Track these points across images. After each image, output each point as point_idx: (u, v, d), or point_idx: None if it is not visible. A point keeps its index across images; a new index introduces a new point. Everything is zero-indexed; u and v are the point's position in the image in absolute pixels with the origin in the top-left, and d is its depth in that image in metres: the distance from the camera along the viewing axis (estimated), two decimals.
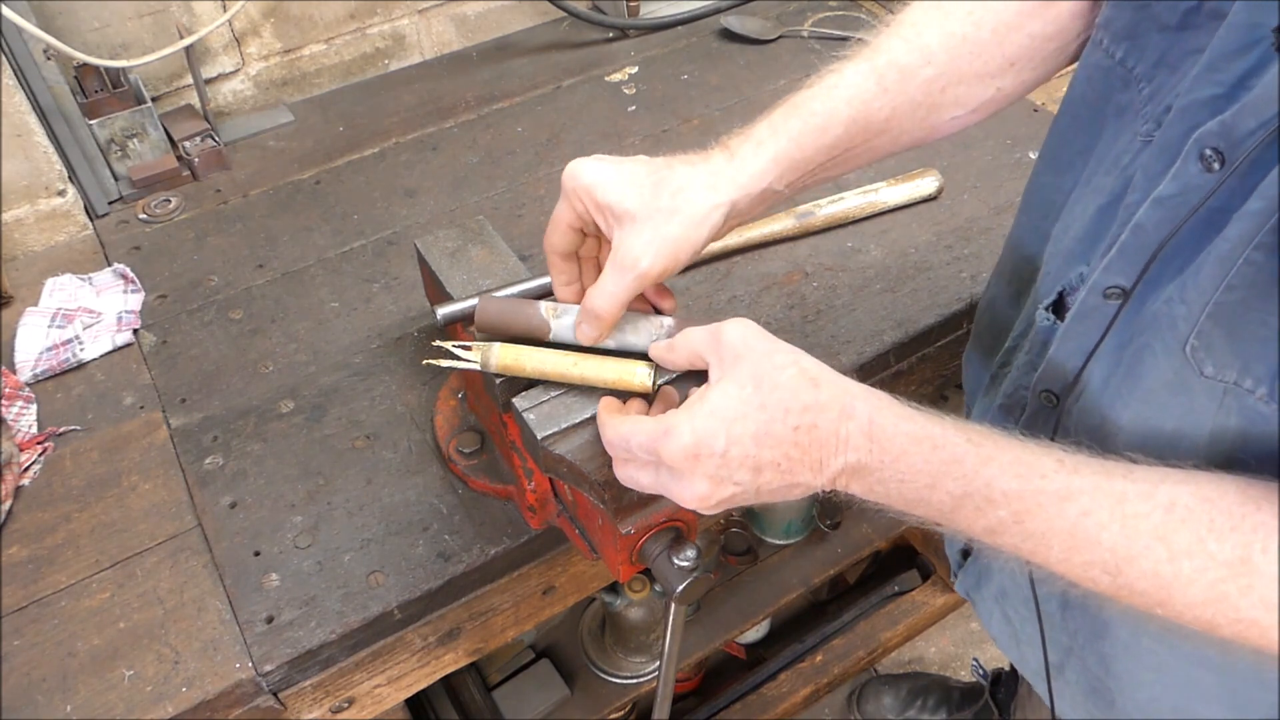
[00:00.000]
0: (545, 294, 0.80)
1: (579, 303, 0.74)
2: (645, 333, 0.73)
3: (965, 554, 0.97)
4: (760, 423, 0.59)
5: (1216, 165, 0.55)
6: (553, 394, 0.73)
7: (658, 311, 0.77)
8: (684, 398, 0.67)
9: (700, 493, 0.60)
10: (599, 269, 0.73)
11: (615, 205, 0.68)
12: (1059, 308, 0.74)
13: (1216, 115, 0.55)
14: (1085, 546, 0.57)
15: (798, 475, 0.60)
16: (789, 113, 0.73)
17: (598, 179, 0.69)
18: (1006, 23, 0.74)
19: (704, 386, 0.62)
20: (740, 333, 0.62)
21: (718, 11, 1.60)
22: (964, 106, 0.76)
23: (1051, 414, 0.73)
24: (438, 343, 0.77)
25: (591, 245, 0.76)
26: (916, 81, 0.74)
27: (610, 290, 0.69)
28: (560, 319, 0.74)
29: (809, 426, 0.59)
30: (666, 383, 0.71)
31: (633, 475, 0.64)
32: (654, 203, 0.68)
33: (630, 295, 0.70)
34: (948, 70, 0.74)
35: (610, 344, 0.73)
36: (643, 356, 0.72)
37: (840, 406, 0.60)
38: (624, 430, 0.63)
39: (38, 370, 1.04)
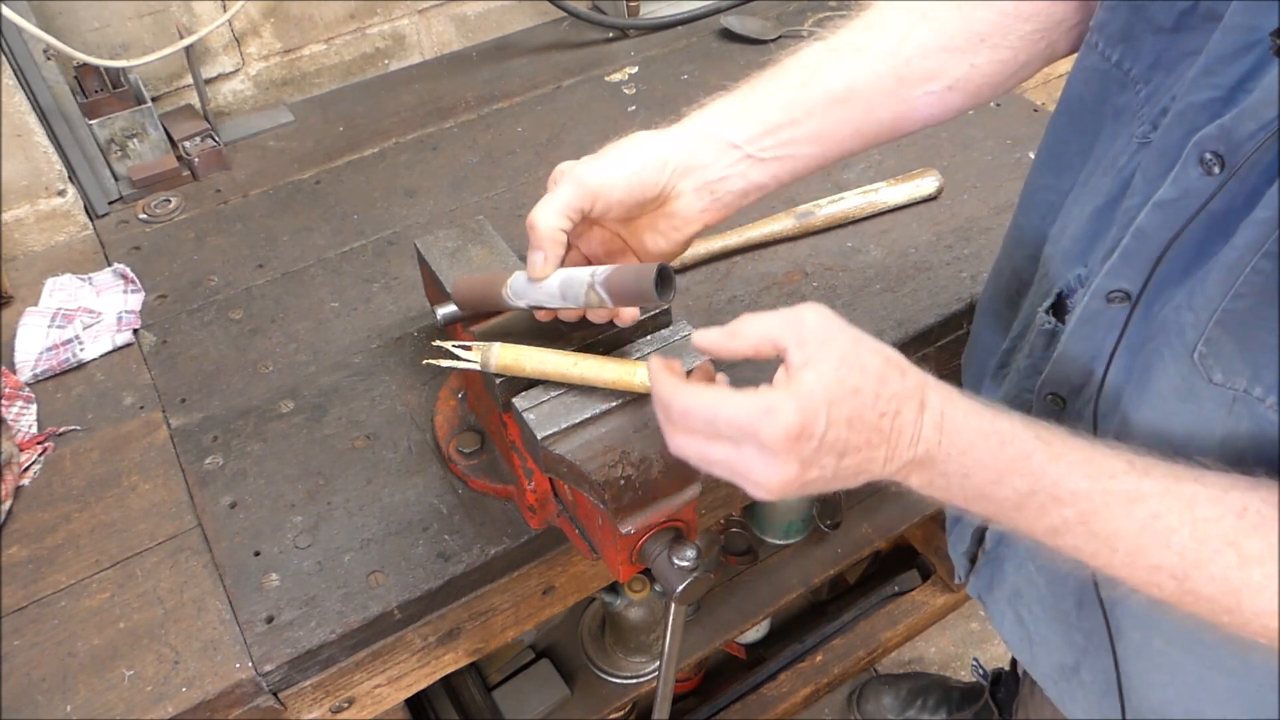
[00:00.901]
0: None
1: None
2: (586, 271, 0.70)
3: (971, 559, 0.97)
4: (855, 406, 0.56)
5: (1216, 169, 0.55)
6: (553, 394, 0.73)
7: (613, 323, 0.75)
8: (730, 380, 0.64)
9: (788, 477, 0.56)
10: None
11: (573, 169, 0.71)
12: (1058, 309, 0.74)
13: (1215, 118, 0.55)
14: (1153, 550, 0.56)
15: (873, 463, 0.58)
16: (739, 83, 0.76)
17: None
18: None
19: (789, 367, 0.58)
20: (820, 316, 0.59)
21: (718, 11, 1.60)
22: (936, 80, 0.75)
23: (1058, 417, 0.73)
24: (438, 343, 0.77)
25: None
26: (874, 52, 0.74)
27: (548, 200, 0.69)
28: (514, 275, 0.73)
29: (894, 414, 0.57)
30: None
31: (701, 449, 0.59)
32: (612, 146, 0.71)
33: (568, 205, 0.69)
34: (908, 43, 0.74)
35: (555, 284, 0.70)
36: (645, 357, 0.72)
37: (920, 396, 0.58)
38: (710, 401, 0.57)
39: (38, 370, 1.04)
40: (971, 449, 0.58)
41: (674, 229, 0.75)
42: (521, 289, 0.72)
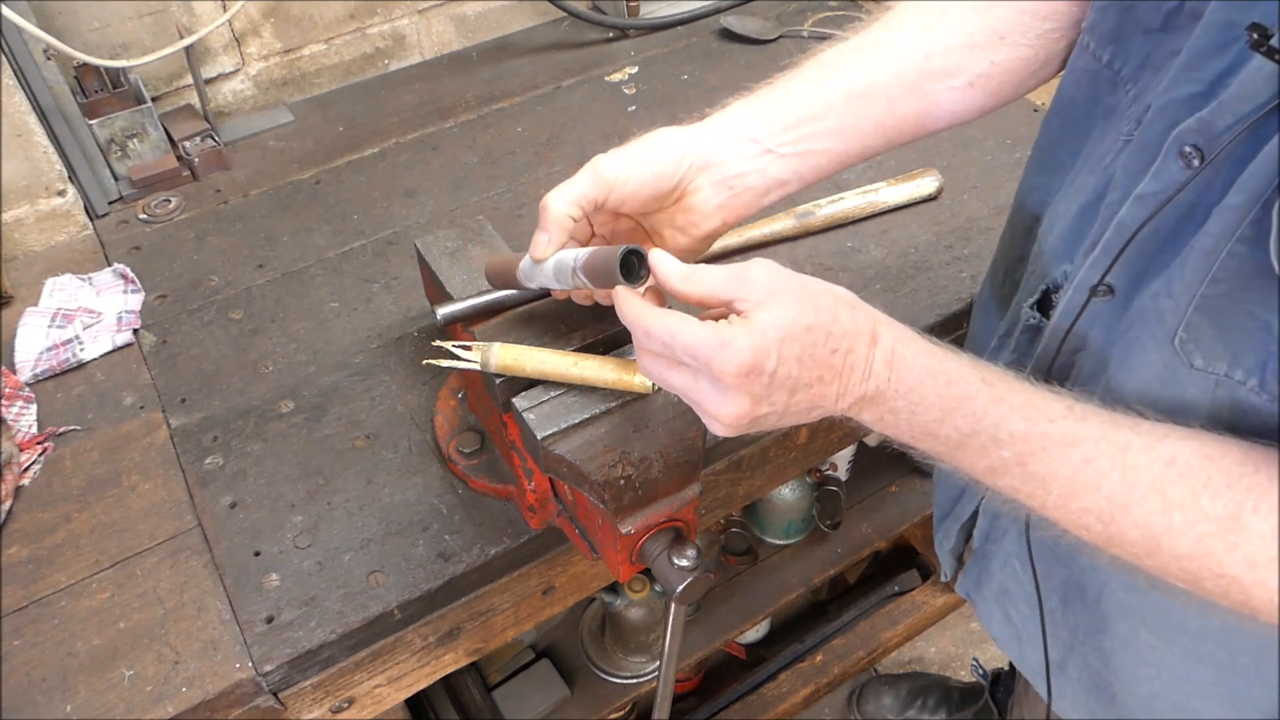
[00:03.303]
0: (543, 295, 0.80)
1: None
2: (570, 252, 0.70)
3: (958, 557, 0.97)
4: (807, 344, 0.58)
5: (1196, 162, 0.55)
6: (553, 394, 0.73)
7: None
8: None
9: (739, 410, 0.58)
10: None
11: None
12: (1044, 305, 0.74)
13: (1195, 113, 0.55)
14: (1083, 493, 0.58)
15: (825, 398, 0.60)
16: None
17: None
18: None
19: (740, 315, 0.59)
20: (768, 270, 0.61)
21: (718, 11, 1.60)
22: (956, 76, 0.76)
23: None
24: (438, 343, 0.77)
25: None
26: (894, 50, 0.75)
27: (564, 185, 0.70)
28: (524, 255, 0.73)
29: (846, 350, 0.60)
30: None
31: (662, 373, 0.61)
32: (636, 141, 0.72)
33: (582, 194, 0.69)
34: (928, 40, 0.75)
35: (549, 266, 0.71)
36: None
37: (871, 332, 0.61)
38: (669, 324, 0.59)
39: (38, 370, 1.04)
40: (919, 386, 0.60)
41: (692, 224, 0.75)
42: (528, 270, 0.73)
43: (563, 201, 0.69)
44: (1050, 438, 0.58)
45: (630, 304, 0.62)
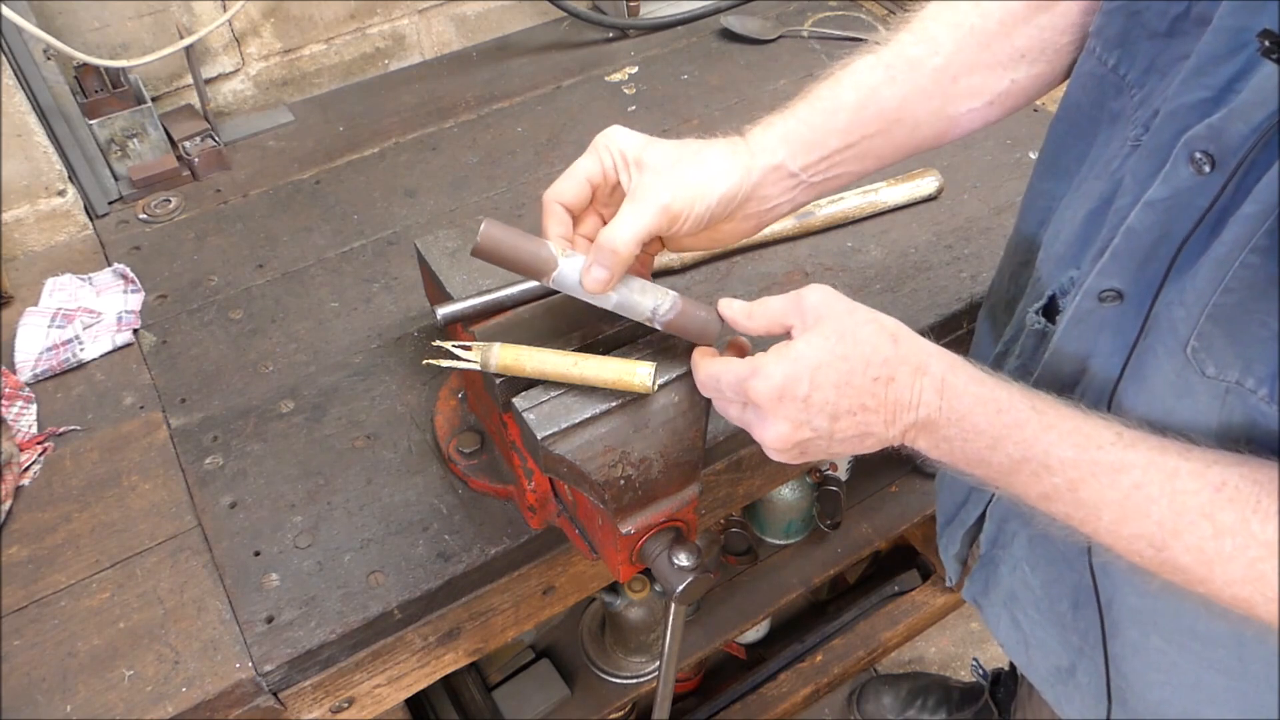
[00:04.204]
0: (544, 295, 0.79)
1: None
2: (652, 296, 0.70)
3: (963, 562, 0.97)
4: (842, 372, 0.62)
5: (1207, 168, 0.55)
6: (553, 394, 0.73)
7: None
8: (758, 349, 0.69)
9: (781, 433, 0.63)
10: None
11: (643, 158, 0.69)
12: (1050, 311, 0.74)
13: (1205, 119, 0.55)
14: (1134, 518, 0.58)
15: (872, 426, 0.63)
16: (798, 101, 0.76)
17: (631, 139, 0.71)
18: (1015, 14, 0.75)
19: (796, 334, 0.65)
20: (821, 295, 0.65)
21: (718, 11, 1.60)
22: (979, 97, 0.77)
23: None
24: (438, 343, 0.77)
25: (593, 222, 0.74)
26: (925, 70, 0.75)
27: (629, 223, 0.67)
28: (570, 259, 0.69)
29: (887, 379, 0.62)
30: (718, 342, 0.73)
31: (724, 409, 0.69)
32: (677, 157, 0.70)
33: (649, 232, 0.67)
34: (956, 59, 0.75)
35: (611, 300, 0.70)
36: (645, 357, 0.72)
37: (917, 363, 0.63)
38: (714, 370, 0.67)
39: (38, 370, 1.04)
40: (970, 414, 0.62)
41: (707, 240, 0.75)
42: (571, 285, 0.70)
43: (632, 241, 0.66)
44: (1100, 464, 0.59)
45: (693, 361, 0.70)
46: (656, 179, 0.68)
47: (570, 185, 0.71)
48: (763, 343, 0.70)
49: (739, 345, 0.72)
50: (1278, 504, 0.54)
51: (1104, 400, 0.68)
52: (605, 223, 0.69)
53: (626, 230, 0.66)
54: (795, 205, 0.76)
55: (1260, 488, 0.55)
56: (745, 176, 0.72)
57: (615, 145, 0.70)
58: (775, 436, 0.64)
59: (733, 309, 0.70)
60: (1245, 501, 0.55)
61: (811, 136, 0.74)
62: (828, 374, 0.62)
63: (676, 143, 0.71)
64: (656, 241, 0.73)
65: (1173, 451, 0.58)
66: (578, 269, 0.68)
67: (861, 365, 0.62)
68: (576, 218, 0.73)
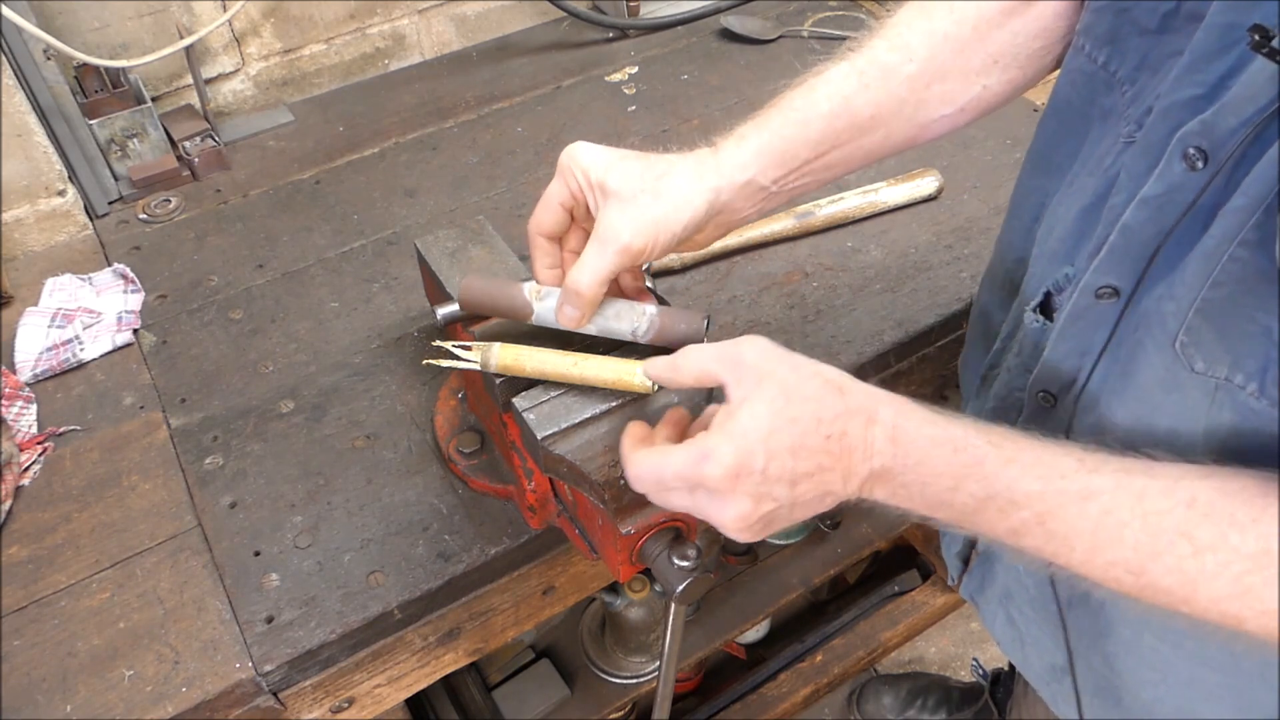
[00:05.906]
0: None
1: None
2: (628, 320, 0.73)
3: (965, 560, 0.97)
4: (795, 435, 0.58)
5: (1200, 164, 0.55)
6: (553, 394, 0.73)
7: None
8: (694, 415, 0.68)
9: (742, 512, 0.59)
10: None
11: (606, 183, 0.70)
12: (1046, 308, 0.74)
13: (1198, 115, 0.55)
14: (1108, 546, 0.57)
15: (831, 484, 0.60)
16: (771, 110, 0.75)
17: (594, 159, 0.71)
18: (989, 19, 0.75)
19: (728, 405, 0.60)
20: (759, 352, 0.62)
21: (718, 11, 1.60)
22: (951, 104, 0.77)
23: (1050, 414, 0.73)
24: (438, 343, 0.77)
25: (577, 237, 0.76)
26: (899, 78, 0.75)
27: (592, 265, 0.70)
28: (544, 301, 0.74)
29: (839, 434, 0.59)
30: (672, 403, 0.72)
31: (665, 501, 0.63)
32: (640, 185, 0.70)
33: (611, 272, 0.70)
34: (930, 67, 0.75)
35: (592, 329, 0.73)
36: (645, 357, 0.72)
37: (867, 413, 0.60)
38: (653, 463, 0.61)
39: (38, 370, 1.04)
40: (927, 459, 0.59)
41: (674, 249, 0.75)
42: (551, 323, 0.74)
43: (596, 284, 0.70)
44: (1066, 494, 0.57)
45: (623, 453, 0.65)
46: (620, 215, 0.70)
47: (547, 215, 0.74)
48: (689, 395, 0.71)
49: (679, 419, 0.68)
50: (1254, 513, 0.53)
51: (1092, 397, 0.68)
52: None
53: (588, 274, 0.70)
54: (764, 213, 0.77)
55: (1232, 499, 0.54)
56: (714, 198, 0.72)
57: (579, 166, 0.71)
58: (736, 516, 0.59)
59: (655, 367, 0.67)
60: (1220, 515, 0.54)
61: (785, 149, 0.73)
62: (781, 440, 0.58)
63: (641, 164, 0.71)
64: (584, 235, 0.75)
65: (1138, 471, 0.57)
66: (551, 310, 0.73)
67: (814, 424, 0.58)
68: (563, 238, 0.76)
